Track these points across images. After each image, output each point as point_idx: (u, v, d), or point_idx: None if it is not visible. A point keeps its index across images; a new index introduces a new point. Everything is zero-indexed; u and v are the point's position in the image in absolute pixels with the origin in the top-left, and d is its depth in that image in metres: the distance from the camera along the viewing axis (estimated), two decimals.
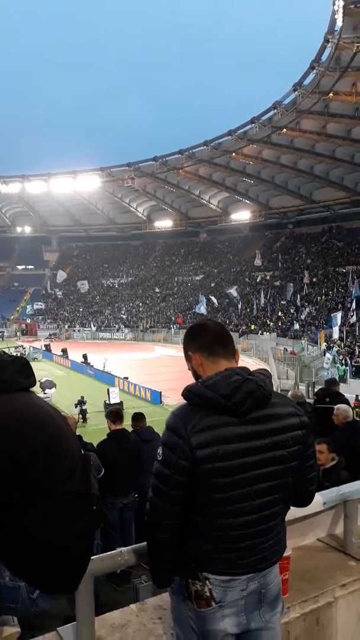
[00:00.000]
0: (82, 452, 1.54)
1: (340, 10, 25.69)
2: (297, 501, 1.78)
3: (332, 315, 32.21)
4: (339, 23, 27.08)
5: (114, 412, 5.36)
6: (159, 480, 1.56)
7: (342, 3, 25.12)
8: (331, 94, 34.57)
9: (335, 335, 30.24)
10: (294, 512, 2.18)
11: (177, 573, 1.62)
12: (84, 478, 1.45)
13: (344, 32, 27.69)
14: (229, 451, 1.50)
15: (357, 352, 26.37)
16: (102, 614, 2.05)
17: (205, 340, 1.69)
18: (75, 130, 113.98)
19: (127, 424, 5.97)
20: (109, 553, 1.87)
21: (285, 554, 1.84)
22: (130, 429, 5.77)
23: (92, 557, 1.60)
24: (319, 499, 2.34)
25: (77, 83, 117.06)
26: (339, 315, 30.82)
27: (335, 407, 5.66)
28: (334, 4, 26.15)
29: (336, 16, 26.74)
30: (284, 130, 41.40)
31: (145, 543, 1.72)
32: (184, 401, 1.60)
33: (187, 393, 1.58)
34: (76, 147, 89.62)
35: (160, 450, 1.56)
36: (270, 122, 41.08)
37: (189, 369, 1.75)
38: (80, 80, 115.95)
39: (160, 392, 20.83)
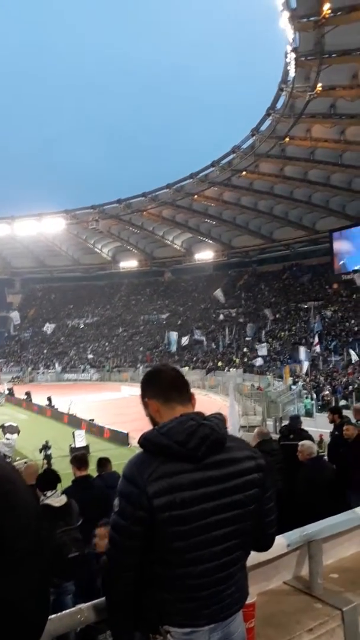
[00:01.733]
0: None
1: (293, 62, 27.19)
2: (257, 545, 1.77)
3: (296, 349, 32.77)
4: (292, 73, 28.60)
5: (78, 458, 5.23)
6: (115, 531, 1.53)
7: (294, 55, 26.61)
8: (287, 139, 36.15)
9: (305, 369, 30.64)
10: (258, 556, 2.17)
11: (137, 628, 1.57)
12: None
13: (296, 81, 29.23)
14: (185, 498, 1.48)
15: (322, 386, 26.71)
16: None
17: (161, 386, 1.70)
18: (38, 174, 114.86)
19: (94, 467, 5.84)
20: (67, 611, 1.79)
21: (250, 601, 1.81)
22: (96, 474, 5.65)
23: (49, 617, 1.54)
24: (283, 540, 2.32)
25: (37, 126, 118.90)
26: (302, 350, 31.36)
27: (300, 443, 5.69)
28: (286, 56, 27.69)
29: (289, 67, 28.27)
30: (244, 173, 42.87)
31: (104, 599, 1.67)
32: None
33: (143, 441, 1.57)
34: (39, 191, 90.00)
35: (116, 501, 1.54)
36: (230, 166, 42.51)
37: (146, 416, 1.75)
38: (40, 122, 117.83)
39: (128, 433, 20.49)
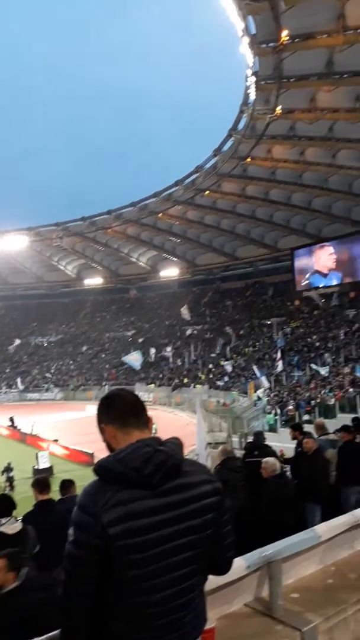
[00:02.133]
0: None
1: (253, 85, 27.94)
2: (215, 570, 1.76)
3: (254, 368, 33.21)
4: (252, 96, 29.37)
5: (40, 481, 5.10)
6: (70, 561, 1.49)
7: (254, 79, 27.36)
8: (249, 159, 36.96)
9: (265, 385, 30.96)
10: (218, 579, 2.16)
11: None
12: None
13: (257, 104, 30.01)
14: (141, 526, 1.47)
15: (285, 401, 27.02)
16: None
17: (118, 411, 1.68)
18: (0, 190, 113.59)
19: (58, 489, 5.70)
20: None
21: (209, 626, 1.80)
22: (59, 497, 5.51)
23: None
24: (242, 562, 2.32)
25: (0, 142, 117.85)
26: (255, 368, 31.82)
27: (263, 460, 5.73)
28: (246, 80, 28.44)
29: (249, 90, 29.02)
30: (207, 192, 43.53)
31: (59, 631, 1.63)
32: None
33: (98, 468, 1.56)
34: (1, 208, 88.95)
35: (71, 530, 1.51)
36: (194, 185, 43.10)
37: (103, 441, 1.74)
38: (3, 139, 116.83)
39: (92, 453, 20.14)
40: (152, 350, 48.48)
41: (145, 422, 1.71)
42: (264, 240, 50.72)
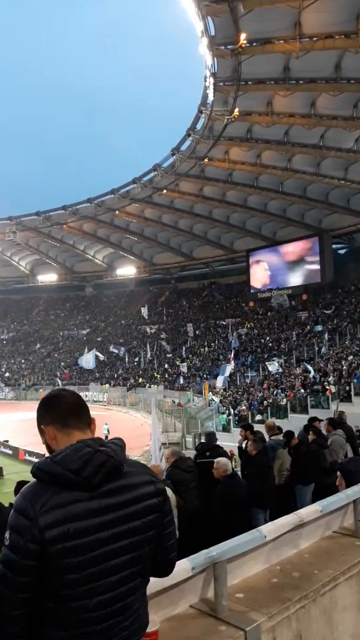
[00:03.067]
0: None
1: (211, 86, 28.14)
2: (157, 571, 1.73)
3: (222, 366, 33.35)
4: (211, 97, 29.59)
5: None
6: (6, 567, 1.43)
7: (212, 80, 27.55)
8: (206, 160, 37.23)
9: (220, 384, 31.22)
10: (163, 581, 2.13)
11: None
12: None
13: (215, 105, 30.27)
14: (80, 528, 1.43)
15: (238, 401, 27.36)
16: None
17: (59, 412, 1.63)
18: None
19: (8, 491, 5.50)
20: None
21: (152, 629, 1.76)
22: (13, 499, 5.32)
23: None
24: (187, 564, 2.30)
25: None
26: (228, 367, 32.05)
27: (215, 460, 5.74)
28: (205, 80, 28.62)
29: (208, 91, 29.22)
30: (165, 191, 43.55)
31: None
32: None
33: (35, 470, 1.50)
34: None
35: (7, 534, 1.45)
36: (152, 183, 43.03)
37: (42, 443, 1.68)
38: None
39: (45, 455, 19.73)
40: (107, 350, 48.01)
41: (87, 422, 1.66)
42: (221, 242, 51.25)
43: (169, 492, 4.39)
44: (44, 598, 1.43)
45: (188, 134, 35.76)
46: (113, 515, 1.49)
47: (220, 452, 6.51)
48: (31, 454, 21.24)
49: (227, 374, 31.32)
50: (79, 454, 1.49)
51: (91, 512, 1.46)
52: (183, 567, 2.28)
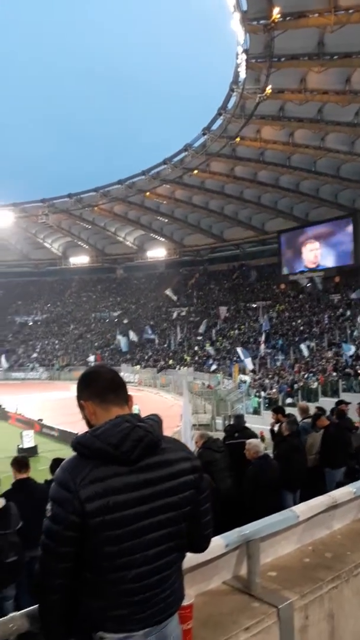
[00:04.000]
0: None
1: (243, 63, 27.56)
2: (193, 547, 1.77)
3: (238, 350, 33.39)
4: (242, 75, 29.00)
5: (18, 461, 5.09)
6: (48, 537, 1.50)
7: (244, 57, 26.97)
8: (238, 139, 36.64)
9: (249, 367, 31.14)
10: (197, 557, 2.17)
11: (71, 635, 1.54)
12: None
13: (247, 83, 29.66)
14: (119, 502, 1.47)
15: (268, 384, 27.26)
16: None
17: (97, 387, 1.67)
18: None
19: (43, 468, 5.66)
20: None
21: (187, 602, 1.80)
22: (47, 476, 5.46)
23: None
24: (221, 541, 2.33)
25: None
26: (239, 350, 32.01)
27: (247, 442, 5.76)
28: (237, 57, 28.03)
29: (239, 69, 28.63)
30: (195, 171, 43.15)
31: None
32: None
33: (76, 444, 1.55)
34: None
35: (49, 506, 1.51)
36: (182, 164, 42.67)
37: (82, 418, 1.72)
38: None
39: (77, 433, 20.11)
40: (138, 332, 48.39)
41: (124, 399, 1.70)
42: (252, 223, 50.61)
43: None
44: (84, 569, 1.49)
45: (219, 113, 35.20)
46: (151, 490, 1.53)
47: (249, 433, 6.55)
48: (49, 427, 22.68)
49: (245, 357, 31.47)
50: (118, 429, 1.52)
51: (130, 486, 1.50)
52: (217, 544, 2.32)
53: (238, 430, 6.55)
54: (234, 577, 2.58)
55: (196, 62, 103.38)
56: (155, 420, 1.63)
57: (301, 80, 28.86)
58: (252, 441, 5.79)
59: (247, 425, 7.05)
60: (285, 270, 46.83)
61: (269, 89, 28.84)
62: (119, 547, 1.47)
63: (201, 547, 1.81)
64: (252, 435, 6.26)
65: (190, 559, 2.10)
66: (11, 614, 1.79)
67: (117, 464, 1.50)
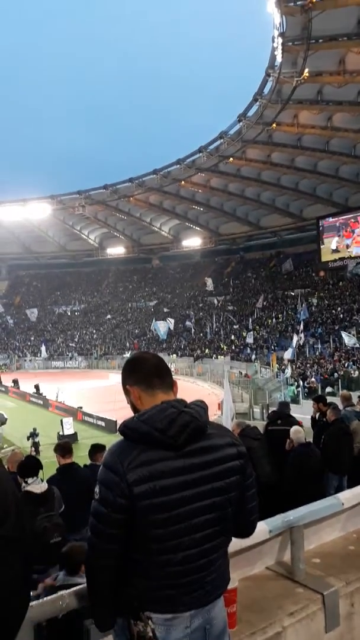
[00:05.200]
0: (18, 493, 1.49)
1: (280, 47, 26.97)
2: (238, 532, 1.78)
3: (283, 337, 32.95)
4: (279, 59, 28.40)
5: (62, 446, 5.21)
6: (96, 519, 1.53)
7: (280, 40, 26.40)
8: (274, 125, 36.00)
9: (288, 356, 30.78)
10: (241, 542, 2.18)
11: (119, 614, 1.58)
12: (18, 521, 1.40)
13: (283, 67, 29.04)
14: (166, 486, 1.49)
15: (308, 374, 26.91)
16: None
17: (143, 373, 1.69)
18: (21, 158, 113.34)
19: (83, 455, 5.77)
20: (48, 598, 1.80)
21: (231, 586, 1.82)
22: (87, 462, 5.58)
23: (31, 603, 1.53)
24: (265, 527, 2.34)
25: (22, 107, 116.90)
26: (295, 338, 31.57)
27: (292, 429, 5.74)
28: (273, 41, 27.46)
29: (276, 52, 28.05)
30: (231, 159, 42.67)
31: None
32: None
33: (123, 429, 1.57)
34: (23, 175, 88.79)
35: (97, 489, 1.54)
36: (217, 152, 42.26)
37: (128, 403, 1.74)
38: (22, 105, 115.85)
39: (116, 421, 20.50)
40: (171, 322, 48.40)
41: (169, 384, 1.71)
42: (289, 209, 49.72)
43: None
44: (132, 550, 1.52)
45: (255, 99, 34.64)
46: (197, 474, 1.54)
47: (291, 421, 6.50)
48: (88, 415, 23.02)
49: (294, 345, 30.95)
50: (165, 414, 1.54)
51: (176, 470, 1.51)
52: (260, 529, 2.32)
53: (281, 417, 6.53)
54: (277, 562, 2.59)
55: (231, 48, 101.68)
56: (201, 406, 1.63)
57: (340, 62, 28.06)
58: (295, 428, 5.77)
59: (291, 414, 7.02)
60: (324, 258, 45.86)
61: (306, 72, 28.20)
62: (166, 530, 1.50)
63: (247, 532, 1.82)
64: (295, 423, 6.22)
65: (234, 544, 2.11)
66: (60, 592, 1.86)
67: (164, 448, 1.52)
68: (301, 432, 5.67)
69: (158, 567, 1.52)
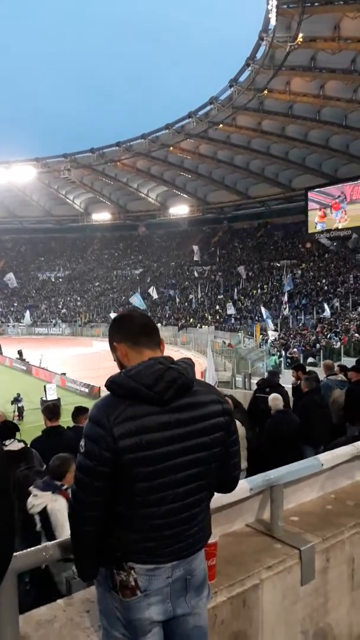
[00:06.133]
0: (3, 448, 1.49)
1: (274, 10, 26.24)
2: (221, 487, 1.82)
3: (262, 308, 33.29)
4: (273, 22, 27.65)
5: (50, 408, 5.22)
6: (81, 472, 1.54)
7: (275, 3, 25.66)
8: (266, 92, 35.31)
9: (270, 327, 31.06)
10: (221, 499, 2.23)
11: (102, 564, 1.62)
12: (3, 474, 1.42)
13: (277, 31, 28.31)
14: (152, 440, 1.50)
15: (290, 344, 27.22)
16: None
17: (130, 330, 1.69)
18: (7, 121, 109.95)
19: (66, 420, 5.81)
20: (32, 548, 1.83)
21: (212, 541, 1.87)
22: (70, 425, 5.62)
23: (15, 554, 1.56)
24: (246, 485, 2.39)
25: (8, 73, 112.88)
26: (263, 309, 31.88)
27: (270, 397, 5.84)
28: (267, 3, 26.67)
29: (270, 15, 27.28)
30: (221, 125, 41.90)
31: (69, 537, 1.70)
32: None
33: (110, 384, 1.57)
34: (7, 137, 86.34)
35: (82, 442, 1.55)
36: (207, 117, 41.43)
37: (114, 360, 1.74)
38: (11, 70, 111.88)
39: (99, 387, 20.62)
40: (154, 291, 48.23)
41: (157, 343, 1.71)
42: (278, 179, 49.29)
43: (238, 424, 4.55)
44: (116, 503, 1.54)
45: (247, 64, 33.84)
46: (182, 430, 1.56)
47: (280, 390, 6.58)
48: (72, 381, 23.12)
49: (267, 316, 31.39)
50: (152, 370, 1.54)
51: (162, 425, 1.53)
52: (241, 487, 2.38)
53: (270, 385, 6.63)
54: (257, 520, 2.66)
55: (224, 11, 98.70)
56: (188, 364, 1.64)
57: (335, 28, 27.45)
58: (273, 395, 5.87)
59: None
60: (311, 229, 45.77)
61: (300, 37, 27.55)
62: (151, 484, 1.52)
63: (229, 487, 1.86)
64: (283, 393, 6.31)
65: (215, 500, 2.16)
66: (44, 543, 1.89)
67: (150, 403, 1.53)
68: (279, 399, 5.76)
69: (141, 519, 1.55)
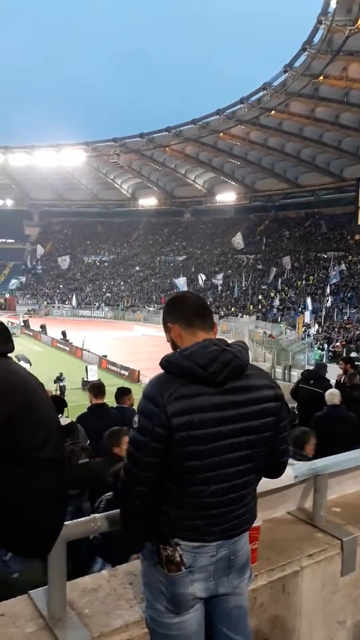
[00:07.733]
0: (58, 418, 1.55)
1: None
2: (269, 472, 1.82)
3: (307, 300, 32.76)
4: (333, 4, 26.81)
5: (96, 386, 5.35)
6: (134, 447, 1.57)
7: None
8: (321, 77, 34.37)
9: (307, 319, 30.51)
10: (266, 485, 2.23)
11: (148, 539, 1.65)
12: (59, 444, 1.47)
13: (337, 14, 27.45)
14: (204, 420, 1.52)
15: (334, 337, 26.72)
16: None
17: (185, 312, 1.70)
18: (59, 103, 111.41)
19: (108, 401, 5.93)
20: (82, 519, 1.89)
21: (255, 524, 1.88)
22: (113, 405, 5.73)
23: (65, 523, 1.62)
24: (291, 472, 2.39)
25: (60, 56, 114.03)
26: (308, 301, 31.31)
27: (327, 392, 5.68)
28: None
29: None
30: (273, 112, 41.13)
31: (118, 510, 1.75)
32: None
33: (165, 362, 1.59)
34: (60, 121, 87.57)
35: (136, 418, 1.58)
36: (259, 103, 40.72)
37: (167, 341, 1.76)
38: (63, 52, 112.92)
39: (139, 371, 20.88)
40: (202, 277, 48.21)
41: (210, 325, 1.72)
42: (329, 168, 48.02)
43: None
44: (167, 480, 1.57)
45: (304, 49, 32.98)
46: (234, 411, 1.57)
47: (324, 384, 6.45)
48: (112, 363, 22.98)
49: (309, 307, 30.80)
50: (207, 351, 1.55)
51: (215, 406, 1.54)
52: (286, 474, 2.34)
53: (314, 378, 6.49)
54: (299, 508, 2.66)
55: None
56: (242, 347, 1.64)
57: None
58: (331, 390, 5.65)
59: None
60: None
61: None
62: (201, 463, 1.54)
63: (277, 472, 1.86)
64: (328, 386, 6.13)
65: (260, 485, 2.17)
66: (93, 515, 1.95)
67: (204, 384, 1.54)
68: (335, 394, 5.58)
69: (190, 497, 1.57)
